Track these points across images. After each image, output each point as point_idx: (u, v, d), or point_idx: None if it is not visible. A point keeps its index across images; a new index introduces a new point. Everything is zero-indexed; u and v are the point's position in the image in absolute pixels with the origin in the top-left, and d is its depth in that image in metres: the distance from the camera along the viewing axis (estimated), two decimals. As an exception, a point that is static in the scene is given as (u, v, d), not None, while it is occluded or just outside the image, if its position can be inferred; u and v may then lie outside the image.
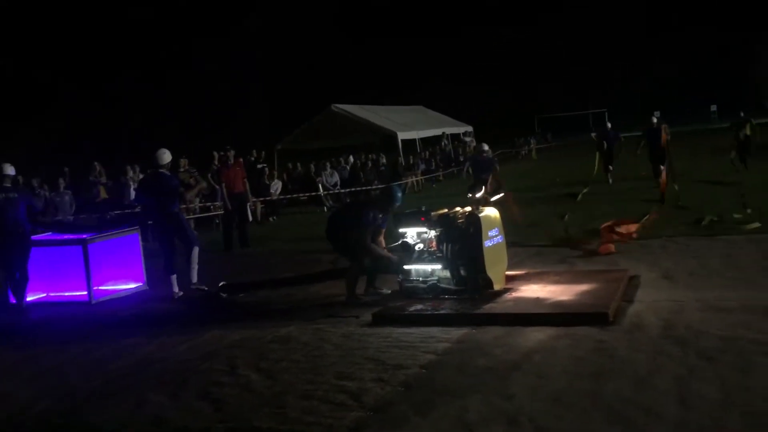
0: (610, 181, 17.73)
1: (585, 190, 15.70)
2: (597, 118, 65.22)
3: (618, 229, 9.41)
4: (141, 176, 15.57)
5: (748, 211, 10.14)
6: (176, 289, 8.55)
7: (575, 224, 11.07)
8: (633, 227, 9.57)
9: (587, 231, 10.15)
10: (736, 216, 10.00)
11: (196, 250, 8.66)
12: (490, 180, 12.30)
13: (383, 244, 7.46)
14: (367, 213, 7.19)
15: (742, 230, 9.08)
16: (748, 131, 17.95)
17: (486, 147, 13.26)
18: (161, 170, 8.77)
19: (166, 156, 8.82)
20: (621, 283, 6.55)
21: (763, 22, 58.55)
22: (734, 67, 63.37)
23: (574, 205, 13.86)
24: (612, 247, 8.78)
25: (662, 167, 14.04)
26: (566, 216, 11.94)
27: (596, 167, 17.93)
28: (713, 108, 51.65)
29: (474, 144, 31.68)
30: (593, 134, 21.54)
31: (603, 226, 9.59)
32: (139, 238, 9.67)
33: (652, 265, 7.56)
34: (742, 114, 19.32)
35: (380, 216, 7.28)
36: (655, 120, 15.84)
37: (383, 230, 7.49)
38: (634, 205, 12.56)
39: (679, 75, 64.96)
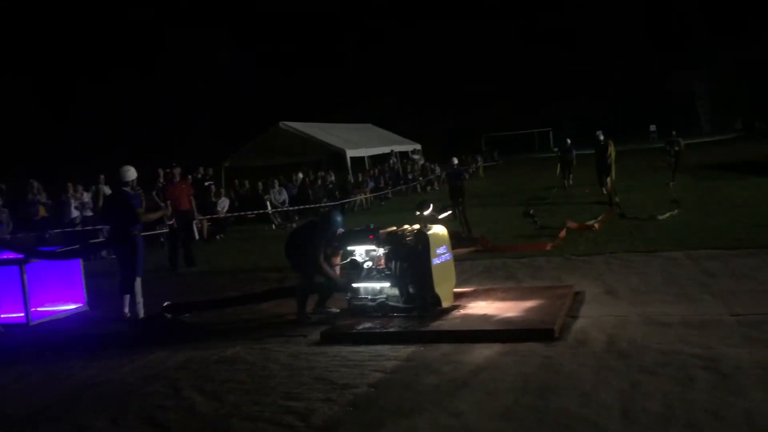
0: (571, 183, 21.63)
1: (554, 190, 19.31)
2: (542, 136, 66.94)
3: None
4: (84, 194, 15.19)
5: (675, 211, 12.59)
6: (126, 309, 8.32)
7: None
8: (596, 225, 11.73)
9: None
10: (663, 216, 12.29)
11: (138, 282, 8.27)
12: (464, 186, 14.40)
13: (337, 262, 7.41)
14: (319, 234, 7.18)
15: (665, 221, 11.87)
16: (678, 147, 20.75)
17: (456, 160, 15.76)
18: (125, 188, 8.53)
19: (130, 173, 8.52)
20: (566, 299, 6.65)
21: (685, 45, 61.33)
22: (672, 87, 65.79)
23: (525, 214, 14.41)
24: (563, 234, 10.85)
25: (607, 178, 16.48)
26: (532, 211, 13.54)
27: (557, 173, 21.93)
28: (652, 128, 53.26)
29: (423, 161, 32.03)
30: (555, 149, 25.91)
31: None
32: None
33: (596, 280, 7.71)
34: (673, 133, 21.75)
35: (329, 239, 7.23)
36: (601, 137, 17.97)
37: (340, 252, 7.42)
38: (588, 207, 14.86)
39: (620, 95, 66.97)
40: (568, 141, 22.97)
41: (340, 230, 7.26)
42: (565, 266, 8.82)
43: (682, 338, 5.35)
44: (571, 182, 21.75)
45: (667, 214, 12.33)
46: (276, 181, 21.08)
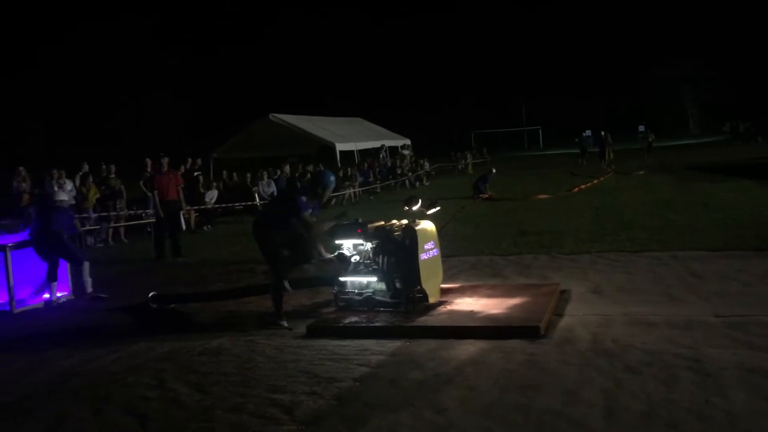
0: (585, 163, 32.78)
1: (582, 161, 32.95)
2: (531, 135, 67.26)
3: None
4: (66, 182, 15.01)
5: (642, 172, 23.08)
6: (56, 295, 8.86)
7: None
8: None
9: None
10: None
11: (86, 265, 8.96)
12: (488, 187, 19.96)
13: (318, 230, 6.97)
14: (298, 198, 6.78)
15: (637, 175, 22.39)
16: (650, 139, 37.47)
17: (494, 170, 21.80)
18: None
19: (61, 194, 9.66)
20: (552, 297, 6.67)
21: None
22: (661, 89, 66.34)
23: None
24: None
25: (605, 159, 29.54)
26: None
27: (580, 159, 33.67)
28: (641, 128, 53.51)
29: (412, 157, 32.04)
30: (577, 140, 38.89)
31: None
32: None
33: (582, 279, 7.74)
34: (647, 129, 39.36)
35: (311, 202, 6.88)
36: (602, 134, 31.05)
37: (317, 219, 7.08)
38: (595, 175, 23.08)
39: (611, 96, 67.39)
40: (584, 133, 39.47)
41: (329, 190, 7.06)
42: (552, 264, 8.85)
43: (667, 338, 5.38)
44: (585, 162, 32.73)
45: (641, 172, 23.85)
46: (265, 173, 21.01)
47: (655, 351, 5.08)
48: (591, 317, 6.15)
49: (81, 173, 15.77)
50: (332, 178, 7.18)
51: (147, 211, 15.32)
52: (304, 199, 6.84)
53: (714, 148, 38.24)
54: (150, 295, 8.14)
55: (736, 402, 4.08)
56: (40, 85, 53.39)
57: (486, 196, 19.18)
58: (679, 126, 64.06)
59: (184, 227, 15.11)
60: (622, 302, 6.61)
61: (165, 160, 12.54)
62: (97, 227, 15.34)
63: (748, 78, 59.64)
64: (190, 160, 19.54)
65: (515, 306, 6.45)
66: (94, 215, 15.19)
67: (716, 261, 8.15)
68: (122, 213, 15.67)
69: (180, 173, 14.38)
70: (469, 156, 39.93)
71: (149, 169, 14.95)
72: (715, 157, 29.84)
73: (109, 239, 15.26)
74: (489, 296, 6.94)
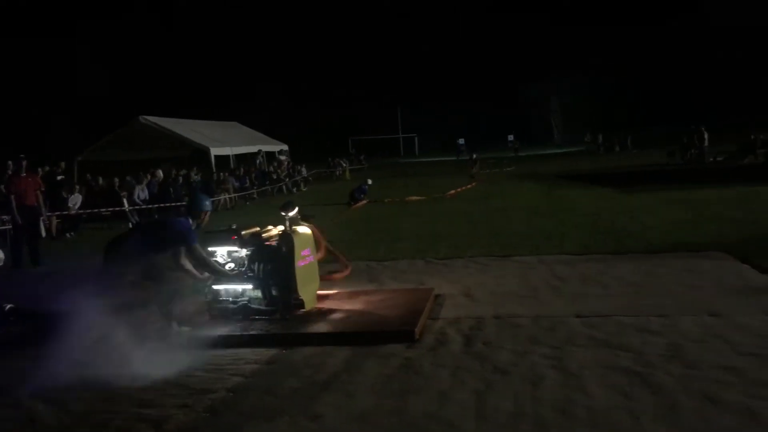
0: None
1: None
2: (407, 141, 68.61)
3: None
4: None
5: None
6: None
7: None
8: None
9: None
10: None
11: None
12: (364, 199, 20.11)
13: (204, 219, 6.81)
14: (186, 226, 6.48)
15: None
16: (516, 146, 49.68)
17: (370, 182, 21.78)
18: None
19: None
20: (427, 302, 6.80)
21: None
22: (528, 100, 69.69)
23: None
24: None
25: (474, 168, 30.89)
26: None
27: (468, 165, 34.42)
28: (510, 138, 56.03)
29: (289, 162, 31.80)
30: (461, 151, 43.26)
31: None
32: None
33: (455, 283, 7.95)
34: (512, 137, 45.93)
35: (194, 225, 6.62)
36: (474, 154, 33.67)
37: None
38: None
39: (482, 105, 69.97)
40: (459, 141, 44.92)
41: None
42: (427, 269, 9.03)
43: (533, 339, 5.63)
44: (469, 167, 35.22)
45: (509, 168, 30.48)
46: (137, 177, 20.16)
47: (522, 352, 5.30)
48: (463, 320, 6.33)
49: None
50: (208, 202, 6.97)
51: (3, 216, 14.28)
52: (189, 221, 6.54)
53: (578, 158, 40.59)
54: (7, 307, 7.53)
55: (596, 398, 4.32)
56: None
57: (363, 203, 19.38)
58: (546, 136, 67.54)
59: (44, 234, 14.22)
60: (492, 305, 6.85)
61: (24, 163, 11.76)
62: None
63: (614, 90, 63.85)
64: (53, 163, 18.43)
65: (391, 311, 6.53)
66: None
67: (579, 264, 8.61)
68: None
69: (39, 176, 13.52)
70: (345, 163, 40.18)
71: (9, 172, 13.98)
72: (579, 166, 31.67)
73: (-41, 247, 14.08)
74: (365, 302, 6.99)
